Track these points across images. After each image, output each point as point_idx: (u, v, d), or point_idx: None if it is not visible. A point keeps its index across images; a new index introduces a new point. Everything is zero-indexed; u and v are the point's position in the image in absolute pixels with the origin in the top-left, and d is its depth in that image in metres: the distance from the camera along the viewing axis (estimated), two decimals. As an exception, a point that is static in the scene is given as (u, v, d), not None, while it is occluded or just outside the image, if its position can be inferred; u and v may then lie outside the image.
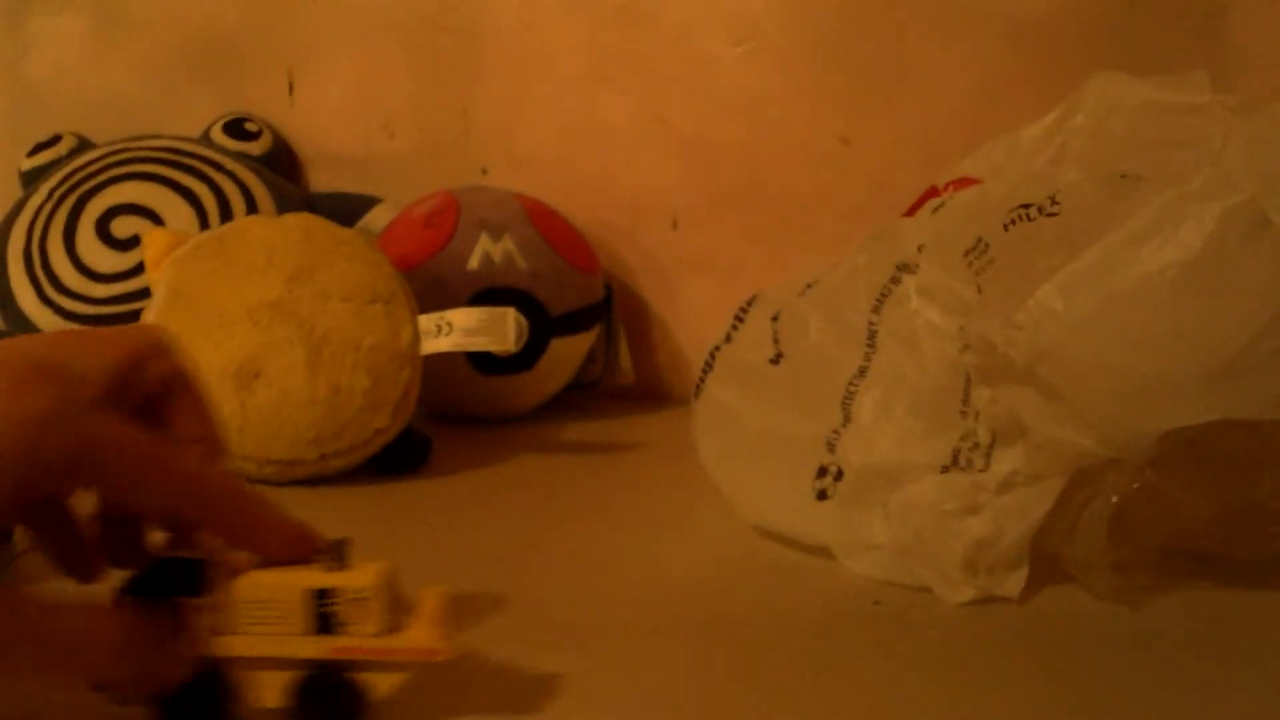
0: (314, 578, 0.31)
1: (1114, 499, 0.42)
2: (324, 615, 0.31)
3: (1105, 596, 0.43)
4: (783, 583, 0.46)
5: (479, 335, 0.62)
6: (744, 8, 0.81)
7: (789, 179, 0.82)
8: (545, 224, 0.77)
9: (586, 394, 0.82)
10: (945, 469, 0.45)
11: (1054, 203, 0.43)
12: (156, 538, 0.34)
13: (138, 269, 0.76)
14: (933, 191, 0.53)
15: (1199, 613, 0.43)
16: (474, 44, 0.86)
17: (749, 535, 0.51)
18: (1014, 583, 0.43)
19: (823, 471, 0.47)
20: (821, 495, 0.47)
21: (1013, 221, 0.44)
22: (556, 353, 0.75)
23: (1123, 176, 0.44)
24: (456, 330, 0.63)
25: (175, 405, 0.34)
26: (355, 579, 0.31)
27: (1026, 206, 0.44)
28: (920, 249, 0.48)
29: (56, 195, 0.81)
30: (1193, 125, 0.44)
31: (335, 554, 0.32)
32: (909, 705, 0.36)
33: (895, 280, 0.49)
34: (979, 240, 0.45)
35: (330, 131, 0.90)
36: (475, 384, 0.74)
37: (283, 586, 0.31)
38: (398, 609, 0.32)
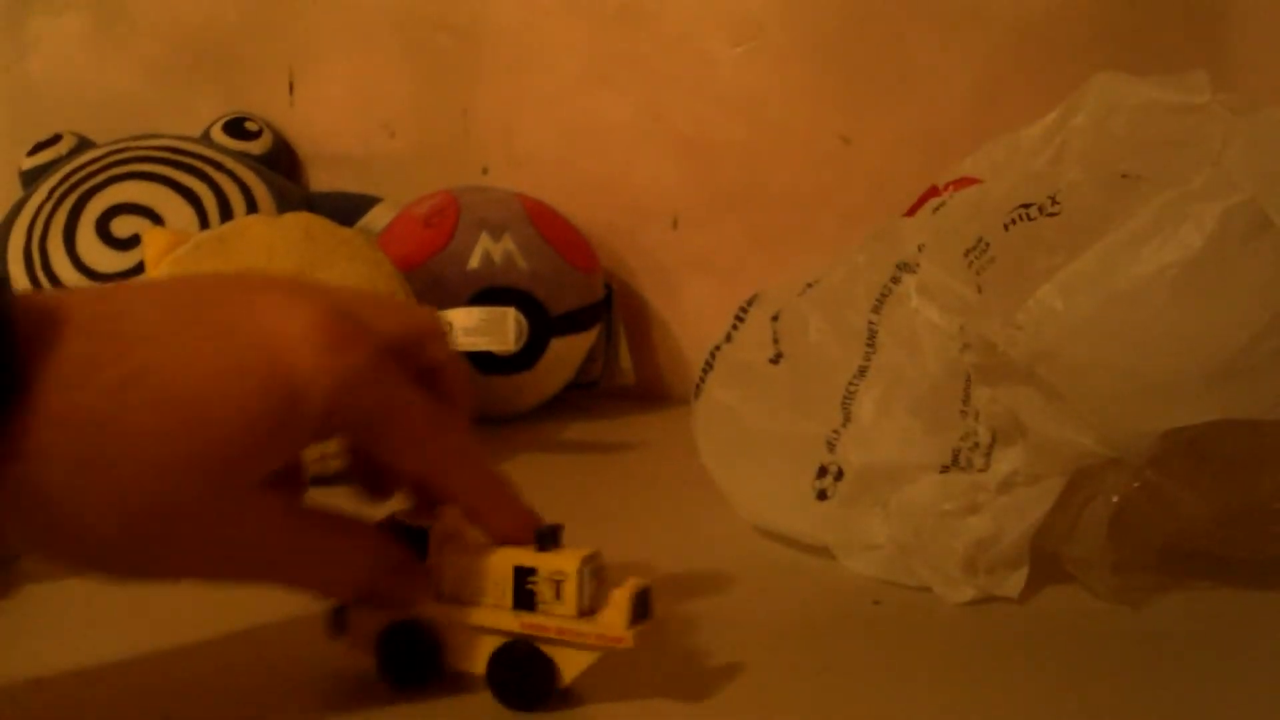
0: (521, 555, 0.33)
1: (1114, 499, 0.42)
2: (527, 592, 0.33)
3: (1105, 596, 0.43)
4: (783, 583, 0.46)
5: (479, 335, 0.62)
6: (744, 8, 0.81)
7: (789, 179, 0.82)
8: (545, 224, 0.77)
9: (586, 394, 0.82)
10: (945, 469, 0.45)
11: (1054, 203, 0.43)
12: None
13: (138, 269, 0.76)
14: (933, 191, 0.53)
15: (1199, 613, 0.43)
16: (474, 44, 0.86)
17: (749, 535, 0.51)
18: (1014, 583, 0.43)
19: (823, 471, 0.47)
20: (821, 495, 0.47)
21: (1013, 221, 0.44)
22: (556, 353, 0.75)
23: (1123, 176, 0.43)
24: (456, 330, 0.63)
25: (441, 388, 0.35)
26: (556, 562, 0.33)
27: (1027, 206, 0.44)
28: (920, 248, 0.48)
29: (57, 195, 0.81)
30: (1193, 125, 0.44)
31: (550, 536, 0.34)
32: (909, 705, 0.36)
33: (895, 280, 0.49)
34: (979, 240, 0.45)
35: (330, 131, 0.90)
36: (475, 384, 0.74)
37: (493, 561, 0.33)
38: (599, 593, 0.33)
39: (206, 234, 0.62)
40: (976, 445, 0.45)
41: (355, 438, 0.32)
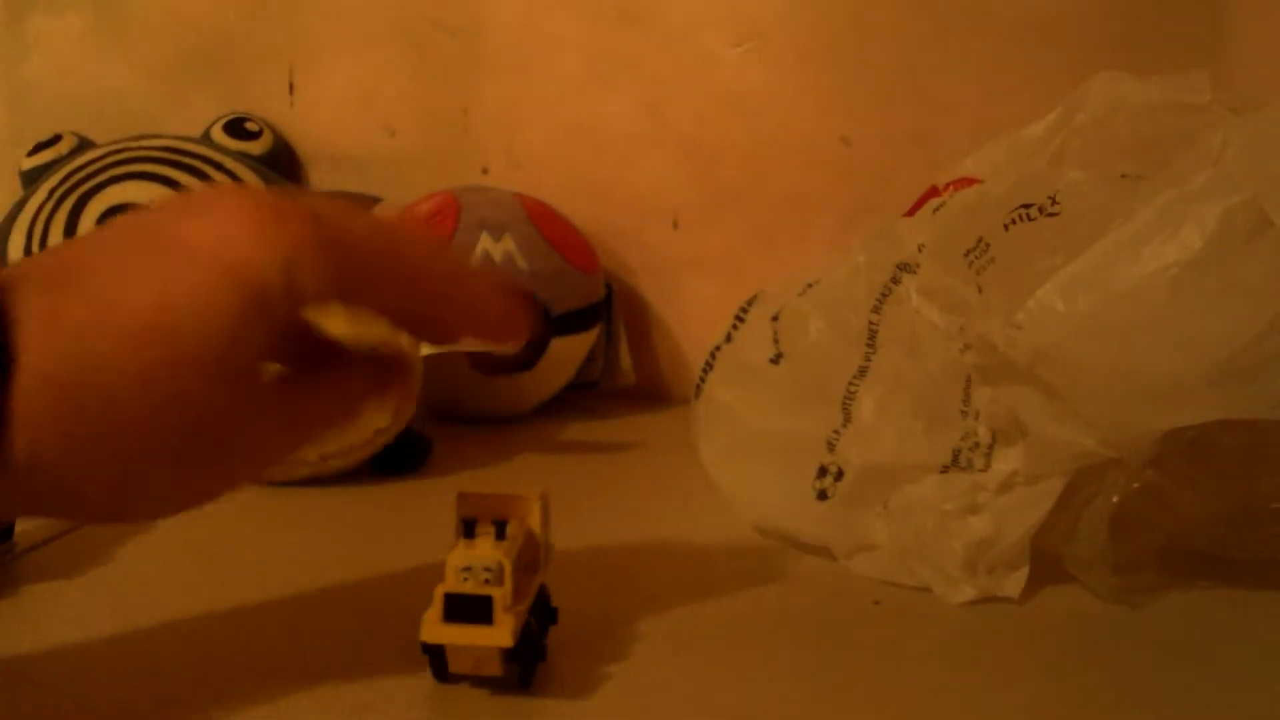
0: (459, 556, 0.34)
1: (1114, 499, 0.42)
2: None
3: (1105, 596, 0.43)
4: (783, 583, 0.46)
5: (479, 335, 0.62)
6: (744, 8, 0.81)
7: (789, 179, 0.82)
8: (545, 224, 0.77)
9: (586, 394, 0.82)
10: (945, 469, 0.45)
11: (1054, 203, 0.43)
12: None
13: (138, 269, 0.76)
14: (933, 191, 0.53)
15: (1199, 613, 0.43)
16: (474, 44, 0.86)
17: (749, 535, 0.51)
18: (1014, 583, 0.43)
19: (823, 471, 0.47)
20: (822, 495, 0.47)
21: (1013, 221, 0.44)
22: (556, 353, 0.75)
23: (1123, 176, 0.44)
24: (457, 330, 0.62)
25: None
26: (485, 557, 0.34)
27: (1027, 206, 0.44)
28: (921, 249, 0.48)
29: (57, 195, 0.81)
30: (1193, 125, 0.44)
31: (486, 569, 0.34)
32: (909, 705, 0.36)
33: (895, 280, 0.49)
34: (979, 240, 0.45)
35: (330, 131, 0.90)
36: (475, 384, 0.74)
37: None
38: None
39: (206, 234, 0.62)
40: (976, 445, 0.45)
41: (341, 291, 0.32)
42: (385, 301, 0.33)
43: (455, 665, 0.35)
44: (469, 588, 0.33)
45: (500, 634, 0.33)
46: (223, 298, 0.29)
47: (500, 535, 0.35)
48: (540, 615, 0.37)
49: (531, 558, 0.36)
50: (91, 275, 0.29)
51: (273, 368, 0.34)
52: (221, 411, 0.30)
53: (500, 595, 0.33)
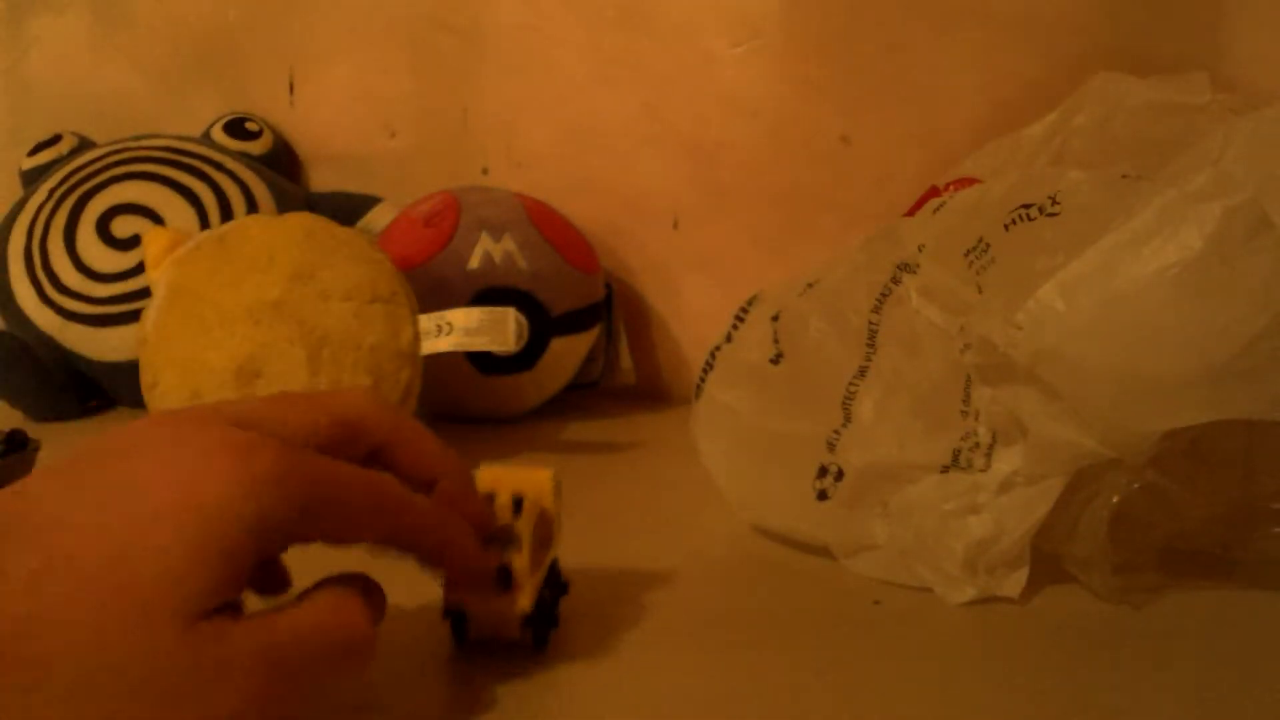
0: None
1: (1114, 499, 0.42)
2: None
3: (1106, 596, 0.43)
4: (783, 583, 0.46)
5: (479, 335, 0.62)
6: (744, 8, 0.81)
7: (789, 179, 0.82)
8: (545, 224, 0.77)
9: (586, 394, 0.82)
10: (945, 469, 0.45)
11: (1054, 203, 0.43)
12: None
13: (138, 269, 0.77)
14: (933, 191, 0.53)
15: (1199, 613, 0.43)
16: (475, 43, 0.86)
17: (749, 535, 0.51)
18: (1014, 583, 0.43)
19: (823, 471, 0.47)
20: (822, 495, 0.47)
21: (1013, 221, 0.44)
22: (556, 353, 0.75)
23: (1123, 176, 0.44)
24: (457, 330, 0.62)
25: (397, 460, 0.35)
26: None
27: (1027, 206, 0.44)
28: (921, 249, 0.48)
29: (57, 195, 0.81)
30: (1193, 125, 0.44)
31: (505, 539, 0.36)
32: (909, 705, 0.36)
33: (895, 280, 0.49)
34: (979, 240, 0.45)
35: (330, 131, 0.90)
36: (475, 384, 0.74)
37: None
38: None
39: (206, 234, 0.62)
40: (977, 445, 0.45)
41: (304, 534, 0.31)
42: (360, 536, 0.32)
43: (475, 630, 0.37)
44: (489, 557, 0.35)
45: (519, 599, 0.35)
46: (185, 544, 0.28)
47: (517, 510, 0.36)
48: (553, 587, 0.39)
49: (545, 533, 0.38)
50: (41, 518, 0.28)
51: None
52: (183, 665, 0.27)
53: (519, 563, 0.35)
